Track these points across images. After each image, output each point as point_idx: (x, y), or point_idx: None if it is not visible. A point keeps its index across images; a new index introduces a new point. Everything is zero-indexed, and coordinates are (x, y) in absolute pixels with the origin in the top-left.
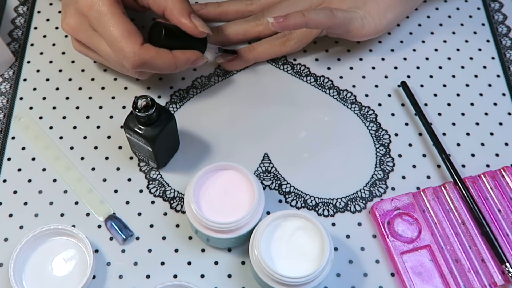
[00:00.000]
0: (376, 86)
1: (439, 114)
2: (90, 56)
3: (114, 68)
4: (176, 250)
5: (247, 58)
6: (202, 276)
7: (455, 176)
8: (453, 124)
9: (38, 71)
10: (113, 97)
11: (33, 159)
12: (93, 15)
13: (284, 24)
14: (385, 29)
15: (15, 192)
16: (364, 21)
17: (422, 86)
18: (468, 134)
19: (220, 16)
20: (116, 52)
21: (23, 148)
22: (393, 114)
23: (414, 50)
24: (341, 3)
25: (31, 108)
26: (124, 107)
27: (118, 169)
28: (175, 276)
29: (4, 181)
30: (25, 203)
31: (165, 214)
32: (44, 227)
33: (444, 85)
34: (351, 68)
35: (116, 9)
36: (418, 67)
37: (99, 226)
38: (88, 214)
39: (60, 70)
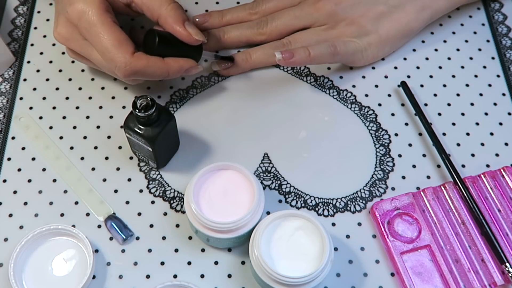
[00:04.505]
0: (376, 86)
1: (439, 114)
2: (85, 63)
3: (109, 73)
4: (176, 250)
5: (243, 67)
6: (202, 276)
7: (455, 176)
8: (453, 124)
9: (38, 71)
10: (113, 97)
11: (33, 159)
12: (83, 25)
13: (291, 61)
14: (380, 58)
15: (15, 192)
16: (364, 54)
17: (422, 86)
18: (468, 134)
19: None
20: (108, 62)
21: (23, 148)
22: (393, 114)
23: (414, 50)
24: (346, 29)
25: (31, 108)
26: (124, 107)
27: (118, 169)
28: (175, 276)
29: (4, 181)
30: (25, 203)
31: (165, 214)
32: (44, 227)
33: (444, 85)
34: (351, 68)
35: (106, 19)
36: (418, 67)
37: (99, 226)
38: (88, 214)
39: (60, 70)
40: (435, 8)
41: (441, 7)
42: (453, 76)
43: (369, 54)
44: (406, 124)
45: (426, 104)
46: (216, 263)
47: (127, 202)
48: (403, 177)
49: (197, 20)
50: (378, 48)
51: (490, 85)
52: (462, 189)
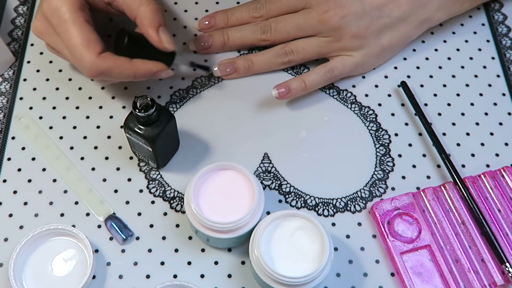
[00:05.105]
0: (376, 86)
1: (439, 114)
2: (60, 57)
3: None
4: (176, 250)
5: (245, 74)
6: (202, 276)
7: (455, 176)
8: (453, 124)
9: (38, 71)
10: (113, 97)
11: (33, 159)
12: (55, 21)
13: (287, 96)
14: (380, 64)
15: (15, 192)
16: (364, 67)
17: (422, 86)
18: (468, 134)
19: None
20: (75, 60)
21: (23, 148)
22: (393, 114)
23: (414, 50)
24: (349, 42)
25: (31, 108)
26: (124, 107)
27: (118, 169)
28: (175, 276)
29: (4, 181)
30: (25, 203)
31: (165, 214)
32: (44, 227)
33: (444, 85)
34: None
35: (78, 17)
36: (418, 67)
37: (99, 226)
38: (88, 214)
39: (60, 70)
40: (435, 20)
41: (440, 19)
42: (453, 76)
43: (369, 65)
44: (406, 124)
45: (426, 104)
46: (216, 263)
47: (127, 202)
48: (403, 177)
49: (205, 23)
50: (379, 58)
51: (490, 85)
52: (462, 189)
